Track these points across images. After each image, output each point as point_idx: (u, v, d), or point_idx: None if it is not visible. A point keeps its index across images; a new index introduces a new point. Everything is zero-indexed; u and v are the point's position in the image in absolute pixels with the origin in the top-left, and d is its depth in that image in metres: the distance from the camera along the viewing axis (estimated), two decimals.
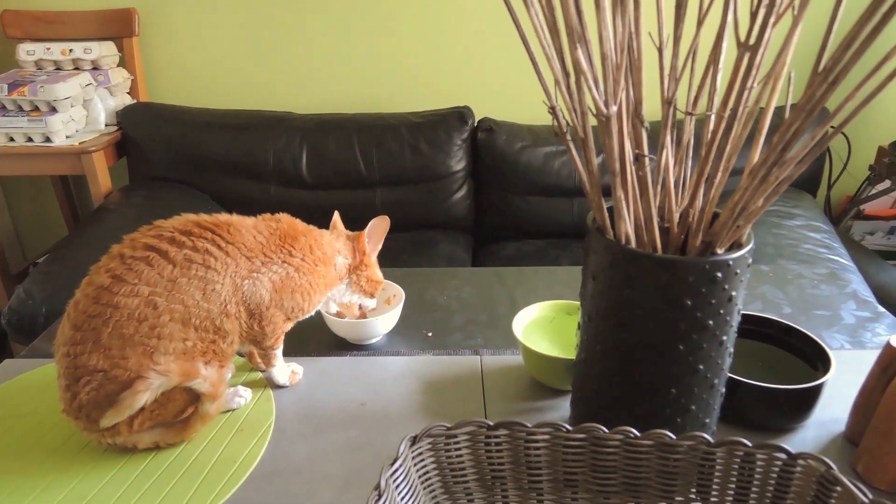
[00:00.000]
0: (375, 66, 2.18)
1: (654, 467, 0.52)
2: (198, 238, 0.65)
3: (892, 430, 0.58)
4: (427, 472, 0.53)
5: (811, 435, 0.68)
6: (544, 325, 0.81)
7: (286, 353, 0.77)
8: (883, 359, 0.63)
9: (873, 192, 2.07)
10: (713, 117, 0.52)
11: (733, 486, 0.51)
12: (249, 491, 0.62)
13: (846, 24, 0.41)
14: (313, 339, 0.88)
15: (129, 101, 2.12)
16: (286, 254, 0.71)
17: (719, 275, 0.51)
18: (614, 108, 0.49)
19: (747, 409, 0.67)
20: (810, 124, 0.46)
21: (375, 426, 0.70)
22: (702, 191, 0.55)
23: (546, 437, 0.53)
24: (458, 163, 1.99)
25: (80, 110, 1.95)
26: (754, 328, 0.76)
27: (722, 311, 0.53)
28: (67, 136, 1.90)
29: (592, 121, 0.51)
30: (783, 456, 0.49)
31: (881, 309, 0.94)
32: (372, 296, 0.82)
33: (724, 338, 0.55)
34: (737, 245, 0.54)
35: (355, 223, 0.87)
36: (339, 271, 0.77)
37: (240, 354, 0.80)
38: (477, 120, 2.03)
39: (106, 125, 2.02)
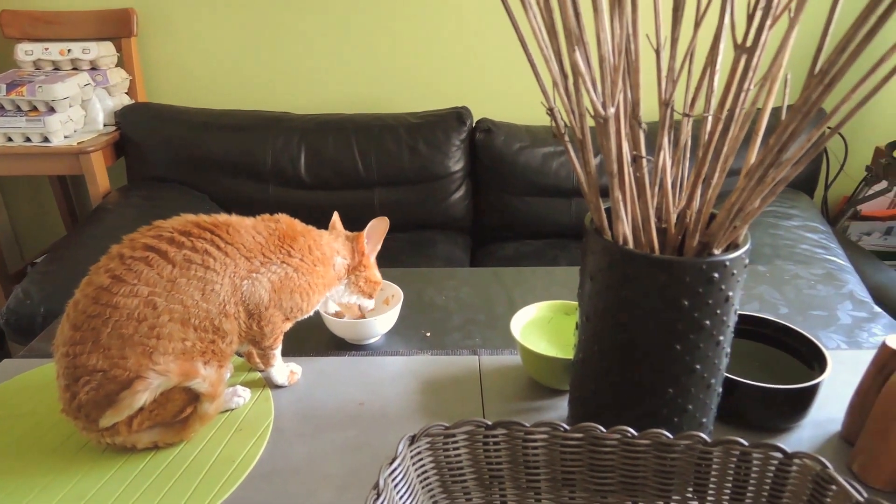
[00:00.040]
0: (374, 67, 2.18)
1: (651, 466, 0.52)
2: (197, 238, 0.66)
3: (887, 429, 0.59)
4: (425, 472, 0.53)
5: (807, 434, 0.68)
6: (542, 325, 0.81)
7: (285, 353, 0.77)
8: (879, 359, 0.63)
9: (870, 192, 2.07)
10: (710, 119, 0.52)
11: (730, 484, 0.51)
12: (248, 491, 0.62)
13: (842, 26, 0.41)
14: (312, 339, 0.88)
15: (127, 101, 2.12)
16: (285, 254, 0.71)
17: (716, 275, 0.51)
18: (612, 110, 0.49)
19: (744, 409, 0.68)
20: (807, 125, 0.46)
21: (374, 426, 0.71)
22: (699, 192, 0.55)
23: (544, 436, 0.53)
24: (457, 163, 1.99)
25: (78, 110, 1.95)
26: (751, 328, 0.76)
27: (719, 312, 0.53)
28: (66, 137, 1.90)
29: (590, 122, 0.51)
30: (779, 455, 0.49)
31: (877, 309, 0.95)
32: (370, 296, 0.82)
33: (721, 338, 0.55)
34: (734, 246, 0.54)
35: (354, 223, 0.87)
36: (338, 272, 0.77)
37: (238, 354, 0.80)
38: (475, 120, 2.03)
39: (104, 125, 2.02)
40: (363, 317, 0.86)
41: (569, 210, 1.99)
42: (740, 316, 0.75)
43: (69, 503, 0.60)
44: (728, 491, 0.51)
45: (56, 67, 2.02)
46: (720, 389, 0.59)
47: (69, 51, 2.00)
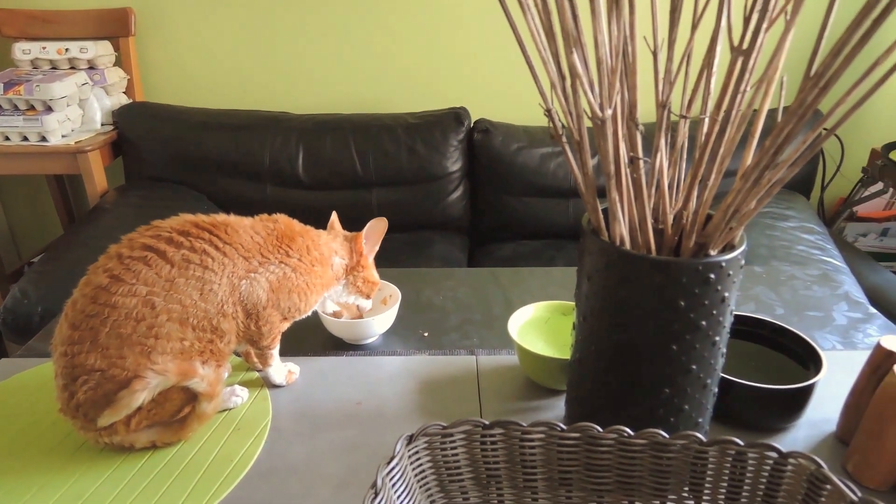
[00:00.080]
0: (372, 67, 2.18)
1: (647, 466, 0.53)
2: (195, 238, 0.66)
3: (882, 429, 0.59)
4: (423, 471, 0.53)
5: (802, 434, 0.68)
6: (539, 325, 0.81)
7: (283, 353, 0.77)
8: (873, 359, 0.64)
9: (866, 193, 2.08)
10: (707, 120, 0.53)
11: (725, 484, 0.51)
12: (246, 490, 0.62)
13: (838, 29, 0.41)
14: (310, 338, 0.88)
15: (125, 100, 2.12)
16: (283, 254, 0.71)
17: (712, 276, 0.52)
18: (609, 112, 0.49)
19: (740, 409, 0.68)
20: (803, 127, 0.47)
21: (372, 425, 0.71)
22: (695, 193, 0.56)
23: (541, 436, 0.53)
24: (455, 164, 1.99)
25: (75, 110, 1.95)
26: (747, 329, 0.77)
27: (715, 312, 0.53)
28: (63, 136, 1.89)
29: (588, 123, 0.51)
30: (774, 455, 0.49)
31: (872, 310, 0.95)
32: (368, 296, 0.82)
33: (717, 338, 0.55)
34: (730, 247, 0.55)
35: (352, 223, 0.87)
36: (336, 272, 0.78)
37: (236, 354, 0.80)
38: (473, 121, 2.03)
39: (102, 125, 2.02)
40: (361, 317, 0.86)
41: (566, 211, 2.00)
42: (736, 316, 0.75)
43: (67, 502, 0.60)
44: (723, 490, 0.52)
45: (54, 66, 2.02)
46: (716, 389, 0.60)
47: (67, 50, 1.99)
